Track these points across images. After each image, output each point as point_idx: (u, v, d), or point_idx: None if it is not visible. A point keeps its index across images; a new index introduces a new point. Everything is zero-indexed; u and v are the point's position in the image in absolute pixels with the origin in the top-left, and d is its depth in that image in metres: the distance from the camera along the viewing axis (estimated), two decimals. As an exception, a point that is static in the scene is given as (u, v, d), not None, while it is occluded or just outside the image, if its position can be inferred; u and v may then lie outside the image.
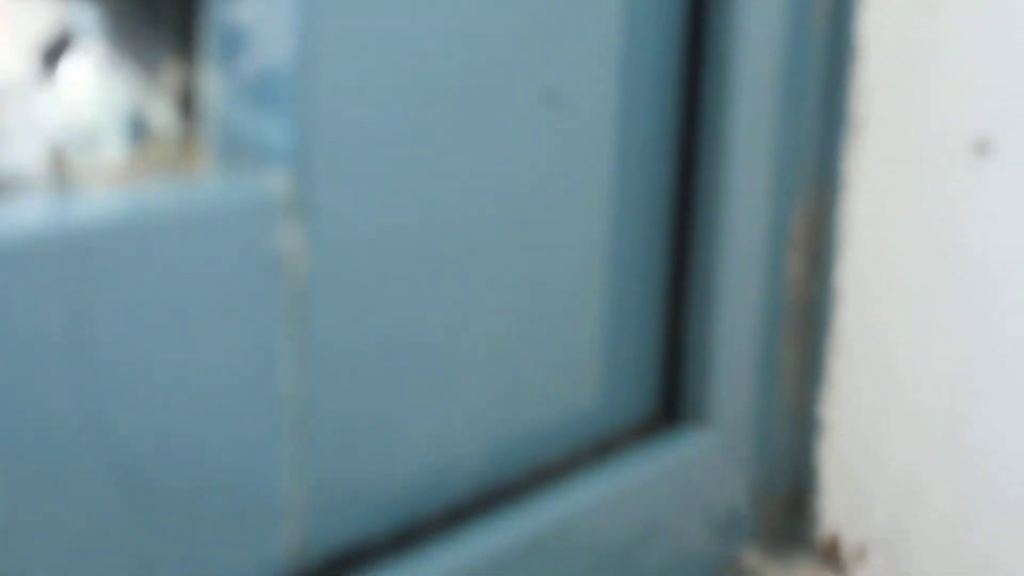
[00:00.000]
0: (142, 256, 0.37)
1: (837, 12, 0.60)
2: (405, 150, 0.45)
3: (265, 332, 0.41)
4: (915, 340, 0.61)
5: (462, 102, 0.46)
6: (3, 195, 0.39)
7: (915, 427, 0.62)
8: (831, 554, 0.65)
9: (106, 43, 0.44)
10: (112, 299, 0.37)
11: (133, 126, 0.43)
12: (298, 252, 0.41)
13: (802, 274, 0.62)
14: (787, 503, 0.65)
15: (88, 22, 0.44)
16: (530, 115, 0.49)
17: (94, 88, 0.43)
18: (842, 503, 0.64)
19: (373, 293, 0.44)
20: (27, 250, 0.35)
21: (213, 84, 0.42)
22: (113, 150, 0.43)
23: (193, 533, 0.41)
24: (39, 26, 0.44)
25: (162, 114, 0.44)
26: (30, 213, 0.35)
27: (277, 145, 0.41)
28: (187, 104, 0.44)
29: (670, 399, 0.59)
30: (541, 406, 0.53)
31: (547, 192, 0.51)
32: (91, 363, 0.37)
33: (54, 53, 0.43)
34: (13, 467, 0.36)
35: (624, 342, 0.57)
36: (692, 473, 0.58)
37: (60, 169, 0.41)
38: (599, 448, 0.56)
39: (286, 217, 0.41)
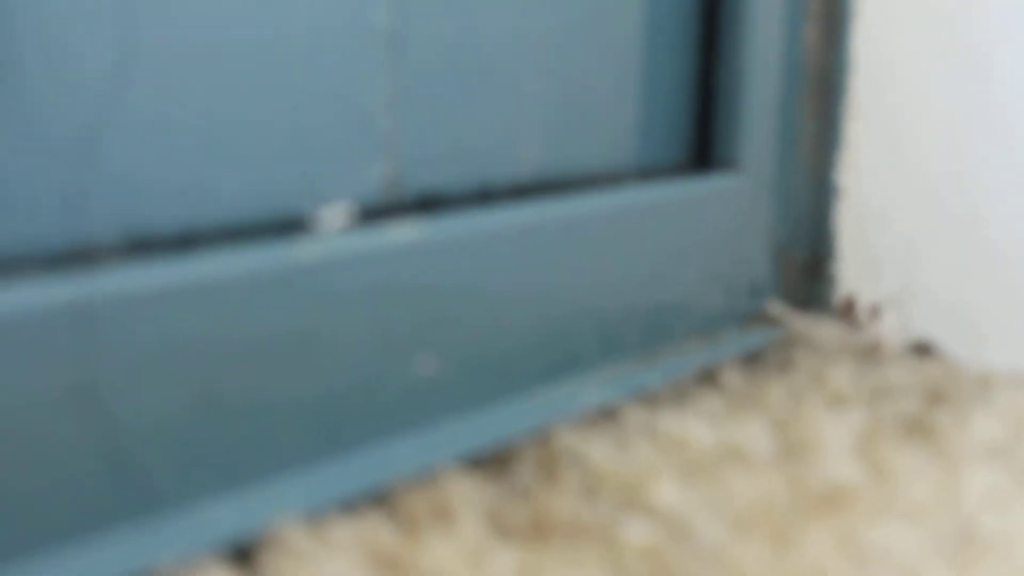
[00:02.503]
0: None
1: None
2: None
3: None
4: (924, 104, 0.67)
5: None
6: None
7: (923, 191, 0.67)
8: (847, 313, 0.70)
9: None
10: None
11: None
12: None
13: (818, 42, 0.67)
14: (807, 267, 0.70)
15: None
16: None
17: None
18: (857, 267, 0.69)
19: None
20: None
21: None
22: None
23: (303, 155, 0.45)
24: None
25: None
26: None
27: None
28: None
29: (702, 148, 0.65)
30: (592, 129, 0.59)
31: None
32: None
33: None
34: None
35: (662, 94, 0.63)
36: (721, 207, 0.63)
37: None
38: (641, 175, 0.61)
39: None
